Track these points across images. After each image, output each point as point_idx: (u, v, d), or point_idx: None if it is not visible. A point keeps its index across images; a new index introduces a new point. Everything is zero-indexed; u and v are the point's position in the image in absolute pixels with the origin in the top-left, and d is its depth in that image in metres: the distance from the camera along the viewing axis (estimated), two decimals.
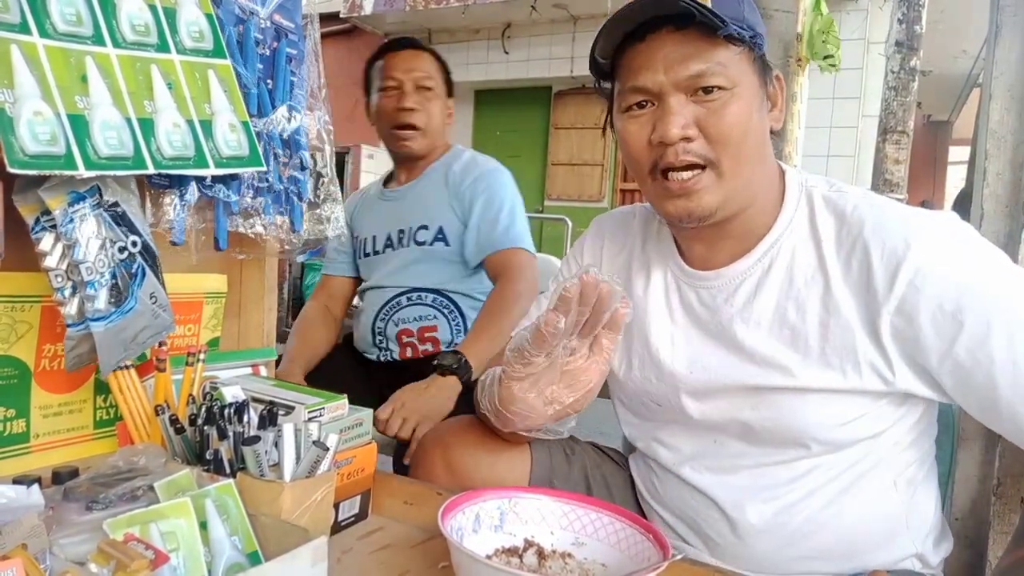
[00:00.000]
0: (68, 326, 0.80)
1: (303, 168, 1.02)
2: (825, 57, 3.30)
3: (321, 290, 1.93)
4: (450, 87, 1.84)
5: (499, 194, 1.72)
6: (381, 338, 1.77)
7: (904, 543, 0.90)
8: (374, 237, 1.82)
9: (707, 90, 0.82)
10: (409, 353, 1.74)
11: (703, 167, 0.83)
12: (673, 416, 0.95)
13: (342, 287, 1.92)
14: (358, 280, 1.92)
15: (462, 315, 1.75)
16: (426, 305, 1.74)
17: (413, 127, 1.75)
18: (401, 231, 1.77)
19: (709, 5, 0.79)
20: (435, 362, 1.45)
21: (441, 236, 1.73)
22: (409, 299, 1.74)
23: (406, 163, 1.84)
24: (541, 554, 0.81)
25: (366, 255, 1.84)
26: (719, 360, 0.90)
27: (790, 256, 0.87)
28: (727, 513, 0.91)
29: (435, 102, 1.78)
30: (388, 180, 1.92)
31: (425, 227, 1.74)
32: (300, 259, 1.09)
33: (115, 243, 0.80)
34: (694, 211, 0.85)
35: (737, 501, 0.90)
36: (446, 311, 1.74)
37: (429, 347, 1.73)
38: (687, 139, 0.82)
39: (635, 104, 0.86)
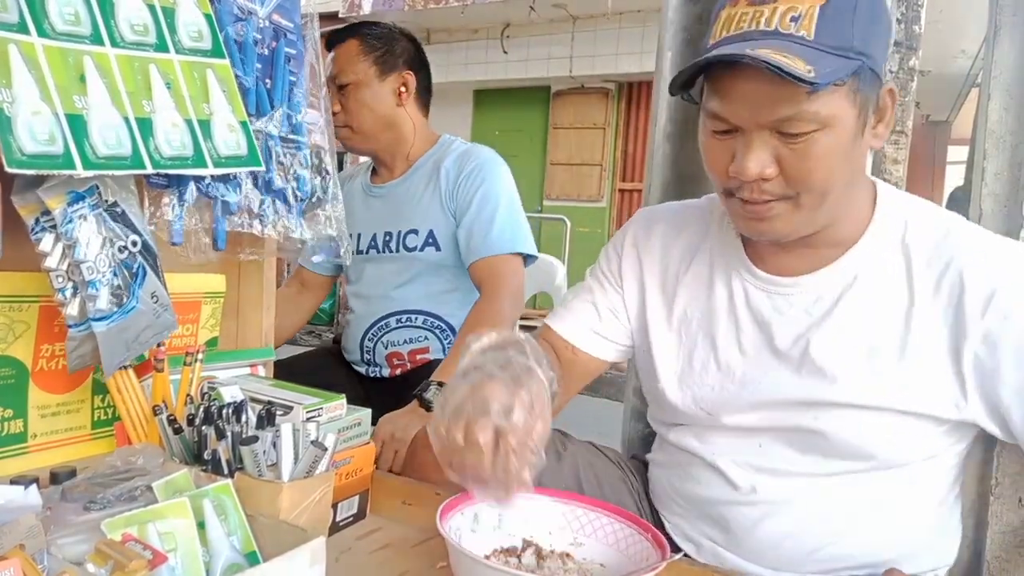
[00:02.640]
0: (70, 326, 0.80)
1: (302, 168, 1.02)
2: None
3: (294, 279, 1.86)
4: (387, 63, 1.65)
5: (494, 191, 1.60)
6: (369, 357, 1.71)
7: (926, 560, 0.90)
8: (359, 235, 1.72)
9: (794, 134, 0.76)
10: (399, 372, 1.69)
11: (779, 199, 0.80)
12: (720, 422, 0.92)
13: (316, 280, 1.85)
14: (334, 276, 1.86)
15: (454, 333, 1.67)
16: (416, 327, 1.67)
17: (339, 127, 1.62)
18: (388, 234, 1.67)
19: (812, 35, 0.73)
20: (417, 392, 1.36)
21: (432, 241, 1.63)
22: (399, 321, 1.67)
23: (384, 159, 1.73)
24: (539, 554, 0.81)
25: None
26: (789, 372, 0.86)
27: (877, 270, 0.84)
28: (758, 510, 0.89)
29: (357, 94, 1.63)
30: (372, 173, 1.80)
31: (415, 231, 1.65)
32: (316, 259, 1.09)
33: (115, 242, 0.80)
34: (766, 233, 0.83)
35: (773, 500, 0.88)
36: (437, 331, 1.67)
37: (420, 366, 1.68)
38: (765, 178, 0.78)
39: (717, 129, 0.81)
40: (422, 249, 1.64)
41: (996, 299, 0.77)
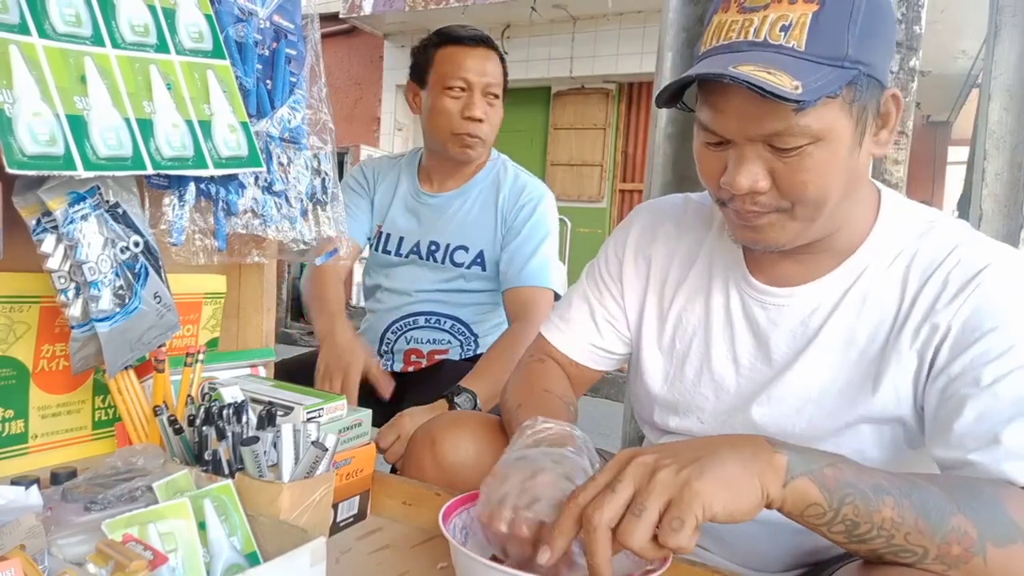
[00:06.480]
0: (73, 328, 0.80)
1: (303, 169, 1.02)
2: None
3: None
4: (505, 91, 1.72)
5: (543, 225, 1.64)
6: (387, 349, 1.72)
7: None
8: (400, 239, 1.72)
9: (786, 148, 0.73)
10: (411, 369, 1.70)
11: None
12: (715, 430, 0.91)
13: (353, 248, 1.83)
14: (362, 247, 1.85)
15: (477, 343, 1.70)
16: (442, 330, 1.69)
17: (478, 137, 1.63)
18: (435, 243, 1.68)
19: (803, 46, 0.69)
20: (448, 393, 1.36)
21: (480, 261, 1.66)
22: (427, 320, 1.69)
23: (448, 166, 1.72)
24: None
25: (386, 252, 1.74)
26: (785, 387, 0.86)
27: (871, 279, 0.83)
28: None
29: (498, 110, 1.68)
30: (421, 175, 1.77)
31: (464, 248, 1.66)
32: (318, 262, 1.09)
33: (117, 243, 0.80)
34: (760, 242, 0.81)
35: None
36: (461, 336, 1.70)
37: (431, 365, 1.69)
38: (757, 191, 0.76)
39: (709, 141, 0.79)
40: (469, 267, 1.67)
41: (960, 297, 0.76)
